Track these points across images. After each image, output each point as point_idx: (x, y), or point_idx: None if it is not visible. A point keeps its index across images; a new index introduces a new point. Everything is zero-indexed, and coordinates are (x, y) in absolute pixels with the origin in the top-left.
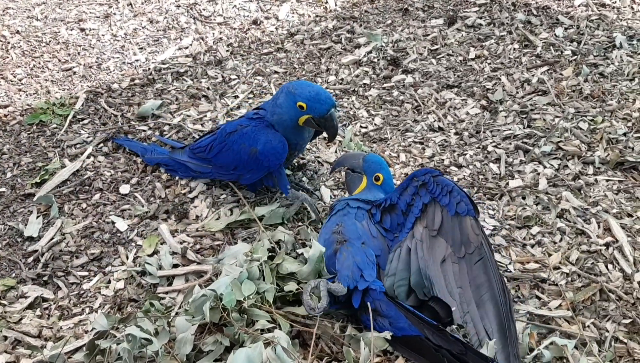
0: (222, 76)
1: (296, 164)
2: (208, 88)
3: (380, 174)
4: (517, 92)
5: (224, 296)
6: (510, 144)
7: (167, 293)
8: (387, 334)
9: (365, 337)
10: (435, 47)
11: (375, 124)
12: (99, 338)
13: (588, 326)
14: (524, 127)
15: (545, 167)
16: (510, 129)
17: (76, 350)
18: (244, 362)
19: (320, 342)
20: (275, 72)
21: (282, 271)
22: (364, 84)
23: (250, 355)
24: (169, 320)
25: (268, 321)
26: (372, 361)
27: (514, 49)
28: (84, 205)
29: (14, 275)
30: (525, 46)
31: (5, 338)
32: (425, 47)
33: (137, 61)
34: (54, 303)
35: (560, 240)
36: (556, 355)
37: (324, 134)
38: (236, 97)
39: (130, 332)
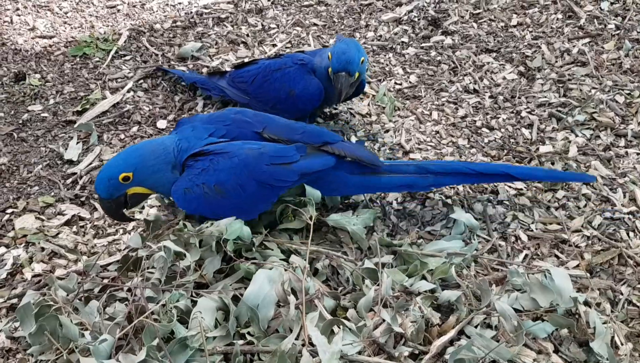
0: (262, 25)
1: (328, 113)
2: (247, 35)
3: None
4: (556, 62)
5: (227, 234)
6: (545, 111)
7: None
8: None
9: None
10: (478, 11)
11: (410, 82)
12: (133, 251)
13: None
14: (559, 96)
15: (577, 136)
16: (545, 97)
17: (109, 264)
18: (265, 282)
19: (340, 278)
20: (315, 24)
21: None
22: (402, 42)
23: (271, 276)
24: (201, 239)
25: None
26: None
27: (557, 19)
28: (122, 136)
29: (52, 193)
30: (569, 17)
31: (43, 249)
32: (467, 11)
33: (180, 3)
34: (90, 222)
35: (585, 206)
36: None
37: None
38: (274, 45)
39: (165, 244)
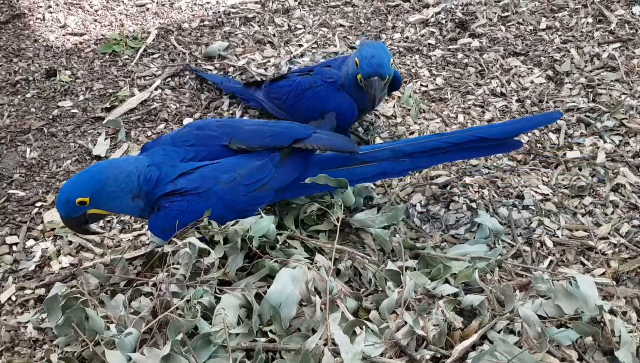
0: (289, 25)
1: None
2: (274, 35)
3: None
4: (586, 66)
5: (252, 232)
6: (573, 116)
7: None
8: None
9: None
10: (506, 14)
11: (436, 84)
12: (158, 247)
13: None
14: (588, 101)
15: (605, 142)
16: (574, 102)
17: (134, 258)
18: (289, 280)
19: (362, 279)
20: (341, 25)
21: None
22: (429, 44)
23: (295, 275)
24: (225, 236)
25: (305, 250)
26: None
27: (587, 23)
28: (149, 133)
29: None
30: (599, 21)
31: (70, 242)
32: (495, 13)
33: (207, 3)
34: (116, 217)
35: (612, 213)
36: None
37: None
38: (300, 45)
39: (190, 241)
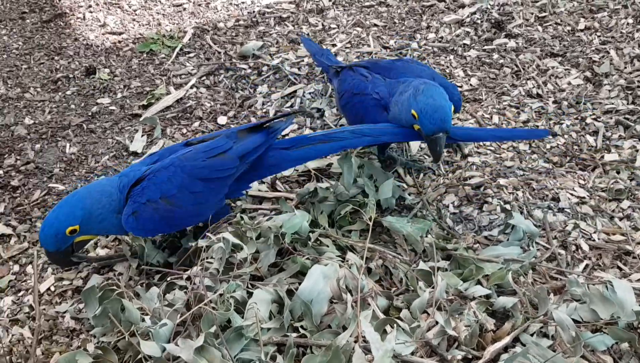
0: (323, 25)
1: None
2: (308, 34)
3: None
4: (625, 68)
5: (285, 228)
6: (611, 118)
7: (254, 211)
8: None
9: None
10: (544, 14)
11: (470, 85)
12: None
13: None
14: (627, 103)
15: None
16: (612, 104)
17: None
18: (320, 277)
19: (393, 278)
20: (375, 25)
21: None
22: (464, 44)
23: (326, 272)
24: (258, 233)
25: (337, 248)
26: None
27: (628, 23)
28: (184, 130)
29: None
30: (639, 22)
31: (107, 236)
32: (532, 14)
33: (243, 3)
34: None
35: None
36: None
37: None
38: (334, 45)
39: (224, 236)
